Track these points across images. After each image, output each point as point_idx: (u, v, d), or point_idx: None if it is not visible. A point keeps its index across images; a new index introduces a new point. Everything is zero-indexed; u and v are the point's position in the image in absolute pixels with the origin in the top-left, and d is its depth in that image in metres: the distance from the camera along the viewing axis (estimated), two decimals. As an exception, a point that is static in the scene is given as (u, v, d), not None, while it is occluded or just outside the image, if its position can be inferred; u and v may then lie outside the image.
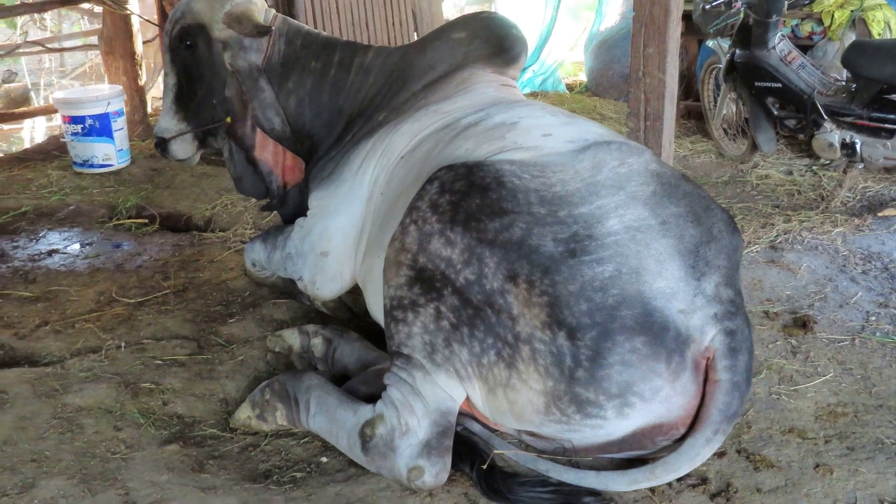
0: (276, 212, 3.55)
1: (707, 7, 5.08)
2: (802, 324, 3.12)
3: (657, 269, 2.11)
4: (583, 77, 8.33)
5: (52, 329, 3.28)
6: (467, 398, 2.25)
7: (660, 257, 2.12)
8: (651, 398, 2.07)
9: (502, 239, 2.13)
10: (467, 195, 2.22)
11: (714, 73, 5.65)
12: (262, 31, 3.06)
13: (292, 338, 2.93)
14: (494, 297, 2.11)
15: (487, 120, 2.65)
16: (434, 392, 2.22)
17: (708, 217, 2.26)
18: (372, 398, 2.39)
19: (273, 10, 3.27)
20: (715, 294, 2.15)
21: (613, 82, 7.43)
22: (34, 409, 2.66)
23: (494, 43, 3.14)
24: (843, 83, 4.71)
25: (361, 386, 2.57)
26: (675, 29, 3.38)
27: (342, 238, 2.94)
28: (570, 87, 8.15)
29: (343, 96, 3.17)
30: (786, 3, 4.96)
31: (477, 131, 2.59)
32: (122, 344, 3.11)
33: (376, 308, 2.71)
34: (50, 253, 4.14)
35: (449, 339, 2.18)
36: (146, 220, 4.56)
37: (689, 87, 6.55)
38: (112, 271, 3.90)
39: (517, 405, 2.15)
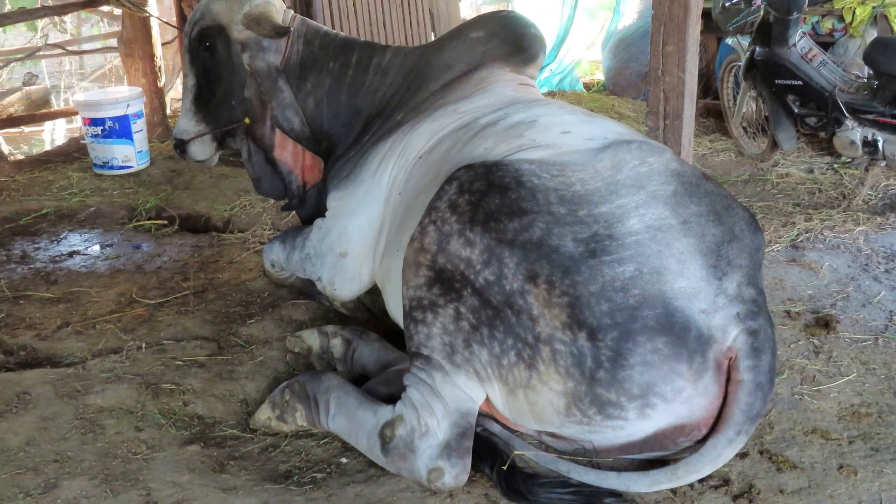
0: (295, 212, 3.55)
1: (727, 4, 5.05)
2: (825, 323, 3.09)
3: (678, 269, 2.09)
4: (600, 76, 8.30)
5: (74, 330, 3.30)
6: (487, 399, 2.24)
7: (681, 257, 2.11)
8: (673, 399, 2.05)
9: (522, 239, 2.12)
10: (486, 195, 2.21)
11: (733, 70, 5.61)
12: (280, 32, 3.07)
13: (312, 338, 2.93)
14: (514, 297, 2.10)
15: (506, 119, 2.64)
16: (454, 393, 2.21)
17: (729, 216, 2.24)
18: (392, 399, 2.39)
19: (291, 11, 3.28)
20: (737, 293, 2.13)
21: (631, 81, 7.40)
22: (56, 410, 2.68)
23: (512, 42, 3.13)
24: (865, 80, 4.66)
25: (381, 387, 2.57)
26: (695, 27, 3.36)
27: (361, 238, 2.94)
28: (587, 86, 8.13)
29: (361, 96, 3.18)
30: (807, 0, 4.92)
31: (495, 130, 2.58)
32: (143, 345, 3.13)
33: (395, 308, 2.71)
34: (71, 254, 4.17)
35: (468, 340, 2.17)
36: (166, 222, 4.59)
37: (707, 85, 6.51)
38: (132, 272, 3.92)
39: (537, 406, 2.14)
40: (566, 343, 2.05)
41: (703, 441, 2.13)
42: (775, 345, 2.19)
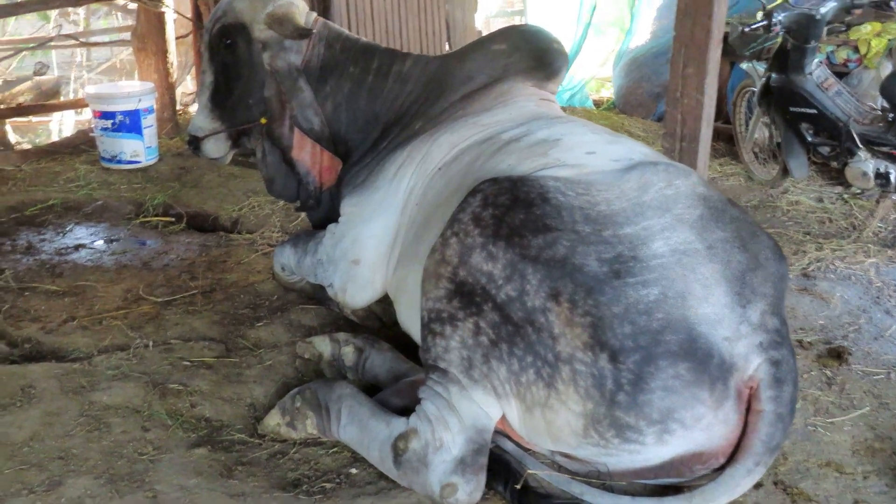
0: (305, 215, 3.52)
1: (746, 30, 5.04)
2: (837, 355, 3.07)
3: (703, 295, 2.07)
4: (607, 93, 8.29)
5: (80, 325, 3.26)
6: (503, 416, 2.21)
7: (706, 282, 2.09)
8: (692, 426, 2.03)
9: (546, 256, 2.10)
10: (511, 209, 2.19)
11: (746, 95, 5.60)
12: (302, 33, 3.06)
13: (323, 345, 2.90)
14: (536, 314, 2.07)
15: (529, 136, 2.62)
16: (470, 408, 2.19)
17: (754, 243, 2.22)
18: (404, 410, 2.36)
19: (314, 14, 3.26)
20: (760, 322, 2.11)
21: (642, 101, 7.39)
22: (61, 406, 2.65)
23: (535, 56, 3.12)
24: (880, 112, 4.66)
25: (394, 398, 2.53)
26: (716, 50, 3.36)
27: (374, 246, 2.91)
28: (596, 104, 8.12)
29: (380, 103, 3.16)
30: (825, 29, 4.92)
31: (519, 147, 2.56)
32: (150, 343, 3.09)
33: (407, 319, 2.68)
34: (77, 247, 4.14)
35: (487, 356, 2.15)
36: (173, 219, 4.55)
37: (719, 109, 6.49)
38: (139, 269, 3.89)
39: (554, 426, 2.11)
40: (587, 364, 2.02)
41: (720, 470, 2.11)
42: (797, 376, 2.17)
